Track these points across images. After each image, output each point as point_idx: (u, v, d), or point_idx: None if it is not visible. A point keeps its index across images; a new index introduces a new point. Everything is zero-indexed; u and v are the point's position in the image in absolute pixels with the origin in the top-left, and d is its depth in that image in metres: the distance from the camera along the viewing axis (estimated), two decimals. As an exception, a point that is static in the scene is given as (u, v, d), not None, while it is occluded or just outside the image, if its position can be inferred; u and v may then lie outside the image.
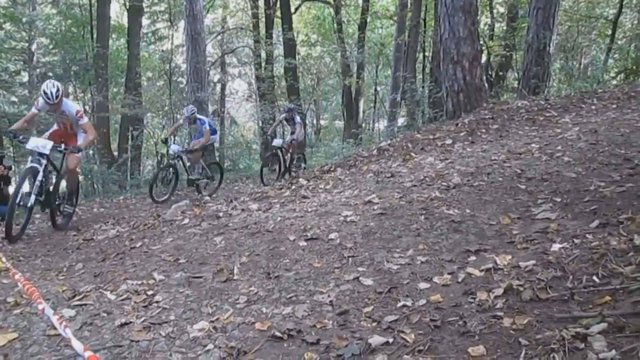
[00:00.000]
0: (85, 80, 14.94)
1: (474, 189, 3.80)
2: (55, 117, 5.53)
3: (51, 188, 5.38)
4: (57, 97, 5.05)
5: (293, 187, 5.29)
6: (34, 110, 5.42)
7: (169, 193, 8.00)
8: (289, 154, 10.16)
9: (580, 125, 5.58)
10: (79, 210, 6.57)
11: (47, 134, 5.54)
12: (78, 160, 5.59)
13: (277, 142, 10.09)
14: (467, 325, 1.89)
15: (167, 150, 9.02)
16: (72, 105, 5.43)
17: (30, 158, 5.09)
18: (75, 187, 5.88)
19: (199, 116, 8.33)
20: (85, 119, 5.48)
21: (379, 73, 21.80)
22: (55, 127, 5.64)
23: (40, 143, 5.04)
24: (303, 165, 11.05)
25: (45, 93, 5.06)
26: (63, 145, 5.28)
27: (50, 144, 5.06)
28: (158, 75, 20.49)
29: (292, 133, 10.22)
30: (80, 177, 11.94)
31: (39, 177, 4.95)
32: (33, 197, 4.92)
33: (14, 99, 16.88)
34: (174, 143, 8.38)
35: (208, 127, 8.24)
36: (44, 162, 5.05)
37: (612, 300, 1.88)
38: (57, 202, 5.50)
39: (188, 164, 8.43)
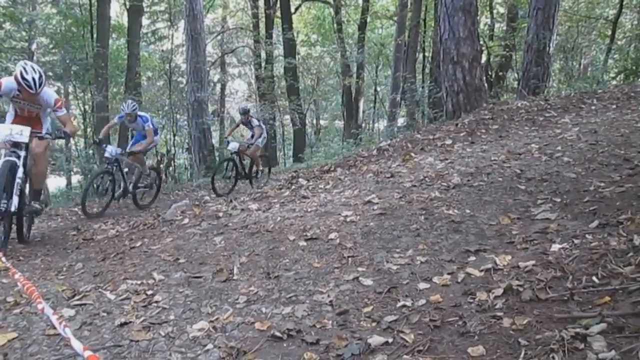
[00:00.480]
0: (85, 80, 14.95)
1: (473, 189, 3.80)
2: (22, 104, 4.46)
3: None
4: (40, 84, 4.14)
5: (293, 187, 5.29)
6: None
7: (103, 206, 6.70)
8: (247, 160, 9.19)
9: (580, 125, 5.59)
10: (79, 211, 6.56)
11: (9, 121, 4.50)
12: (47, 144, 4.62)
13: (232, 146, 8.98)
14: (467, 326, 1.89)
15: (102, 154, 7.65)
16: (51, 94, 4.47)
17: (3, 151, 4.11)
18: (44, 178, 4.91)
19: (140, 113, 7.15)
20: (65, 110, 4.59)
21: (379, 73, 21.81)
22: (12, 112, 4.56)
23: (14, 130, 4.04)
24: (265, 172, 10.01)
25: (25, 80, 4.07)
26: (44, 131, 4.37)
27: (27, 129, 4.09)
28: (158, 75, 20.48)
29: (252, 137, 9.23)
30: (81, 177, 11.61)
31: (19, 174, 4.06)
32: (16, 199, 4.02)
33: (13, 98, 16.86)
34: (109, 144, 7.14)
35: (151, 126, 7.06)
36: (23, 153, 4.11)
37: (611, 300, 1.88)
38: (26, 207, 4.50)
39: (126, 169, 7.00)
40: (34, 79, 4.11)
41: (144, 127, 7.07)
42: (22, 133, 4.05)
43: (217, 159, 15.84)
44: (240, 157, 9.01)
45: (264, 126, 9.60)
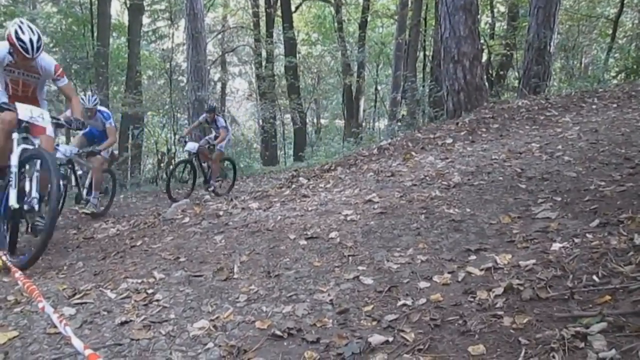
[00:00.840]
0: (86, 79, 14.96)
1: (474, 188, 3.80)
2: (16, 75, 3.76)
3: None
4: (38, 48, 3.52)
5: (293, 186, 5.29)
6: None
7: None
8: (207, 162, 8.34)
9: (581, 124, 5.58)
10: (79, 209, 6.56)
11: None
12: (53, 142, 3.95)
13: (191, 146, 7.95)
14: (467, 325, 1.89)
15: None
16: (49, 60, 3.85)
17: (15, 137, 3.52)
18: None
19: (100, 108, 6.25)
20: (66, 79, 3.99)
21: (380, 72, 21.81)
22: (3, 90, 3.77)
23: (35, 112, 3.51)
24: (225, 185, 8.95)
25: (20, 41, 3.41)
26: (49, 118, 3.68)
27: (47, 113, 3.61)
28: (159, 74, 20.49)
29: (216, 138, 8.33)
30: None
31: (37, 167, 3.44)
32: (36, 195, 3.43)
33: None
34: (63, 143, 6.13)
35: (113, 124, 6.27)
36: (37, 142, 3.59)
37: (612, 299, 1.88)
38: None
39: (80, 172, 6.07)
40: (31, 41, 3.46)
41: (105, 124, 6.19)
42: (43, 117, 3.52)
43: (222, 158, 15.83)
44: (200, 160, 8.21)
45: (230, 128, 8.73)
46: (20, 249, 3.86)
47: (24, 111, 3.47)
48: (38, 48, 3.52)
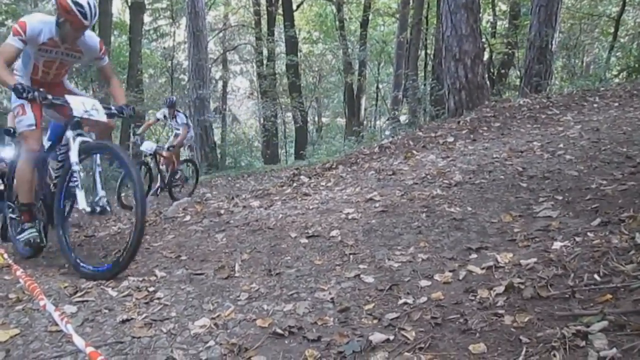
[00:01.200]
0: (87, 77, 14.98)
1: (475, 187, 3.80)
2: (54, 55, 3.24)
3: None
4: (96, 14, 3.08)
5: (294, 184, 5.29)
6: (16, 44, 2.99)
7: None
8: (165, 164, 7.58)
9: (582, 123, 5.57)
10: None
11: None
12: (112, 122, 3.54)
13: (147, 146, 7.18)
14: (468, 323, 1.89)
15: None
16: (94, 36, 3.38)
17: (70, 135, 3.11)
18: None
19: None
20: (107, 57, 3.56)
21: (381, 71, 21.81)
22: (27, 72, 3.29)
23: (87, 104, 3.10)
24: (191, 179, 8.39)
25: (78, 5, 2.94)
26: (112, 107, 3.32)
27: (98, 103, 3.21)
28: (160, 73, 20.54)
29: (176, 136, 7.69)
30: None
31: (98, 161, 3.07)
32: (103, 193, 3.03)
33: (15, 95, 16.85)
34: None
35: None
36: (93, 135, 3.24)
37: (613, 298, 1.88)
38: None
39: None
40: (89, 4, 2.99)
41: None
42: (97, 109, 3.12)
43: (219, 156, 15.86)
44: (157, 161, 7.41)
45: (191, 124, 8.07)
46: (101, 257, 3.74)
47: (78, 106, 3.05)
48: (95, 14, 3.08)
